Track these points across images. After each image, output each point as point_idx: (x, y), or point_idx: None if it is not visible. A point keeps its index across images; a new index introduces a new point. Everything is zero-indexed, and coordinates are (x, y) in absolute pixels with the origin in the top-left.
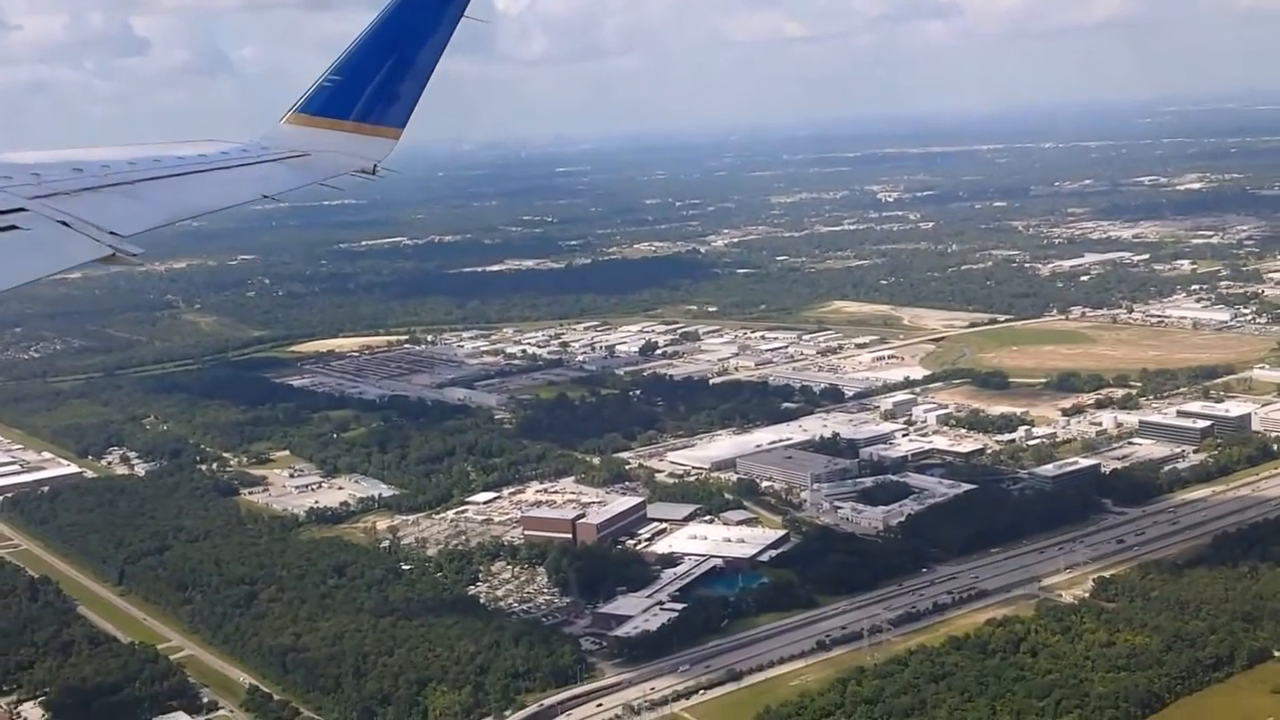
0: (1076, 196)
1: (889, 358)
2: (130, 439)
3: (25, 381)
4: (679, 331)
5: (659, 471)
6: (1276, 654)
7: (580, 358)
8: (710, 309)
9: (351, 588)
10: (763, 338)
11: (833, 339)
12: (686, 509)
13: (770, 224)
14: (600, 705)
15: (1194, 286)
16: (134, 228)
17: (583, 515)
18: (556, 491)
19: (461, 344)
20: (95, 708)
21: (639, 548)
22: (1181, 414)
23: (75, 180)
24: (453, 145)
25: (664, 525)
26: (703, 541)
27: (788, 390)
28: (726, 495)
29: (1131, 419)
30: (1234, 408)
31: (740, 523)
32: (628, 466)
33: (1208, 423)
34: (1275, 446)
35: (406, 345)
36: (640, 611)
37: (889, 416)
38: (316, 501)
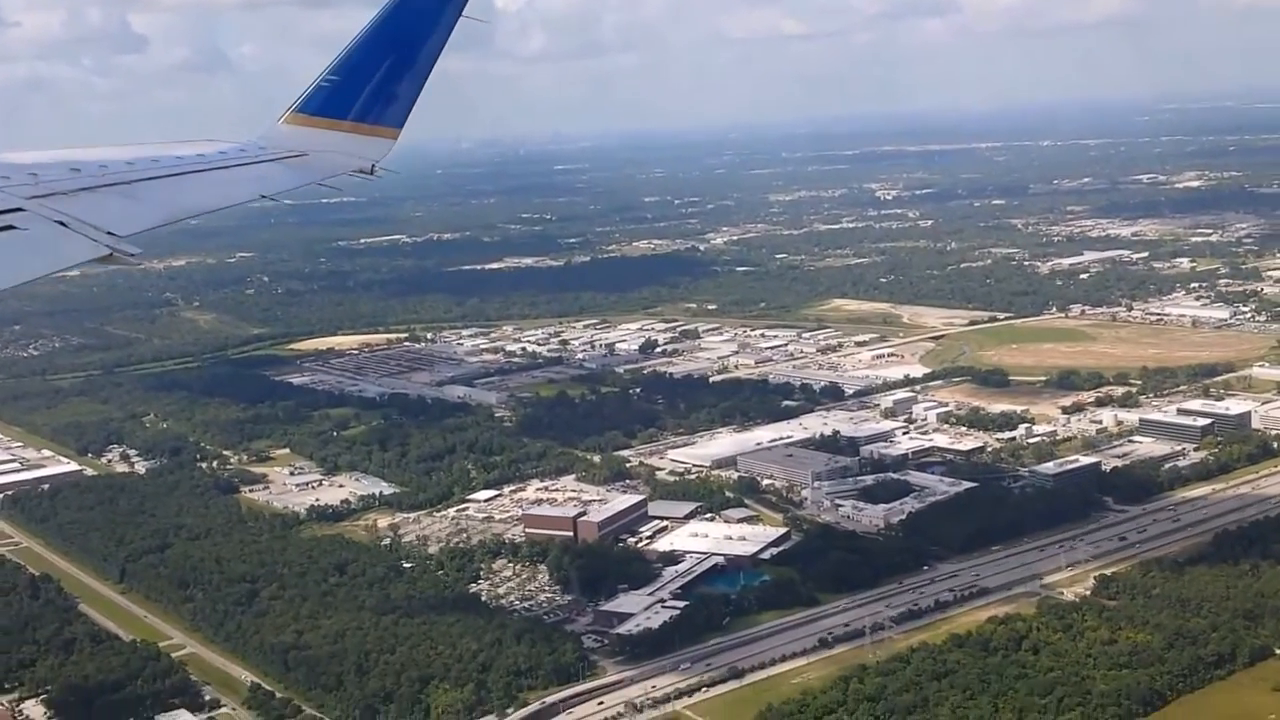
0: (1075, 194)
1: (889, 355)
2: (130, 437)
3: (24, 379)
4: (678, 329)
5: (659, 469)
6: (1278, 651)
7: (580, 356)
8: (710, 307)
9: (353, 585)
10: (762, 335)
11: (832, 337)
12: (687, 507)
13: (769, 222)
14: (601, 703)
15: (1193, 284)
16: (132, 228)
17: (584, 513)
18: (557, 489)
19: (461, 342)
20: (97, 705)
21: (640, 545)
22: (1182, 412)
23: (73, 180)
24: (451, 143)
25: (665, 523)
26: (704, 539)
27: (788, 388)
28: (727, 493)
29: (1132, 417)
30: (1234, 405)
31: (741, 520)
32: (628, 464)
33: (1208, 421)
34: (1275, 444)
35: (406, 343)
36: (642, 609)
37: (889, 414)
38: (317, 499)
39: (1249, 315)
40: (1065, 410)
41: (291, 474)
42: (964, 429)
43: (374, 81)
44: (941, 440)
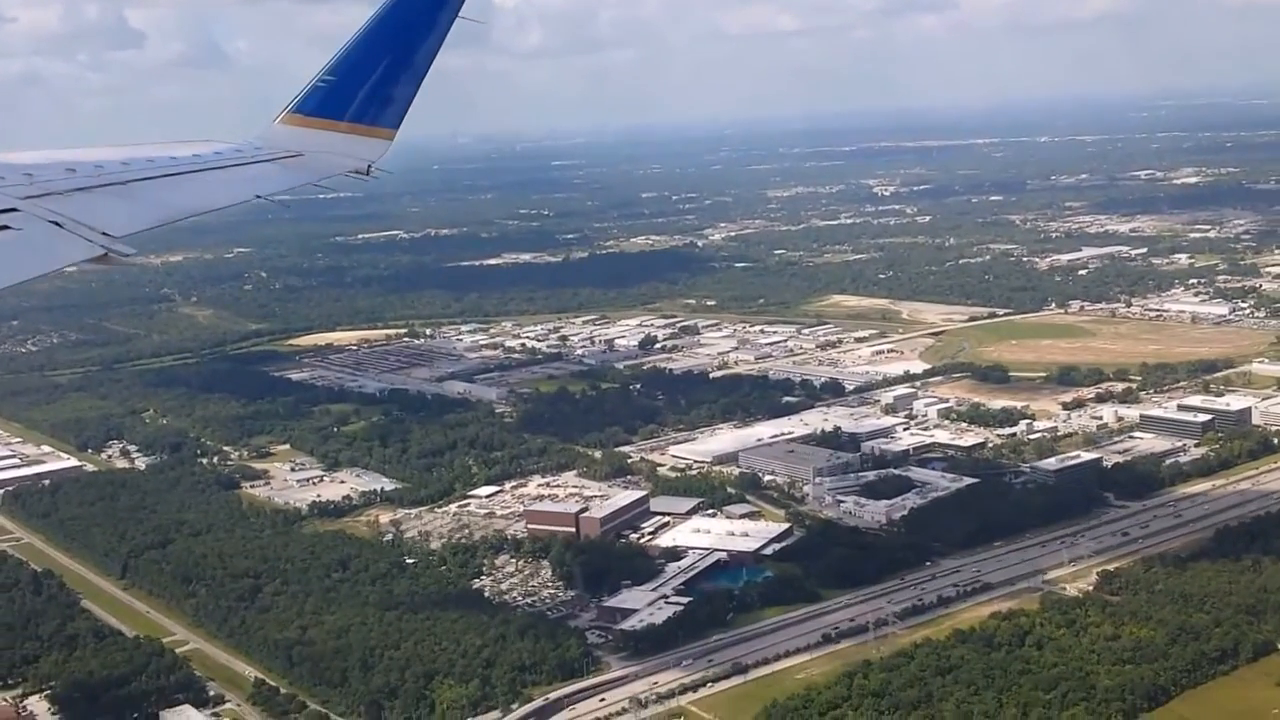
0: (1073, 191)
1: (888, 352)
2: (130, 432)
3: (23, 375)
4: (678, 325)
5: (661, 465)
6: None
7: (580, 351)
8: (708, 303)
9: (356, 581)
10: (762, 331)
11: (832, 333)
12: (689, 503)
13: (767, 218)
14: (603, 700)
15: (1192, 280)
16: (127, 228)
17: (586, 509)
18: (559, 485)
19: (460, 338)
20: (102, 701)
21: (643, 541)
22: (1182, 408)
23: (68, 180)
24: (448, 138)
25: (667, 519)
26: (706, 535)
27: (788, 384)
28: (729, 489)
29: (1132, 413)
30: (1234, 402)
31: (743, 516)
32: (629, 460)
33: (1208, 417)
34: (1276, 440)
35: (405, 339)
36: (645, 605)
37: (890, 410)
38: (318, 495)
39: (1248, 311)
40: (1066, 406)
41: (292, 470)
42: (965, 425)
43: (370, 82)
44: (942, 436)
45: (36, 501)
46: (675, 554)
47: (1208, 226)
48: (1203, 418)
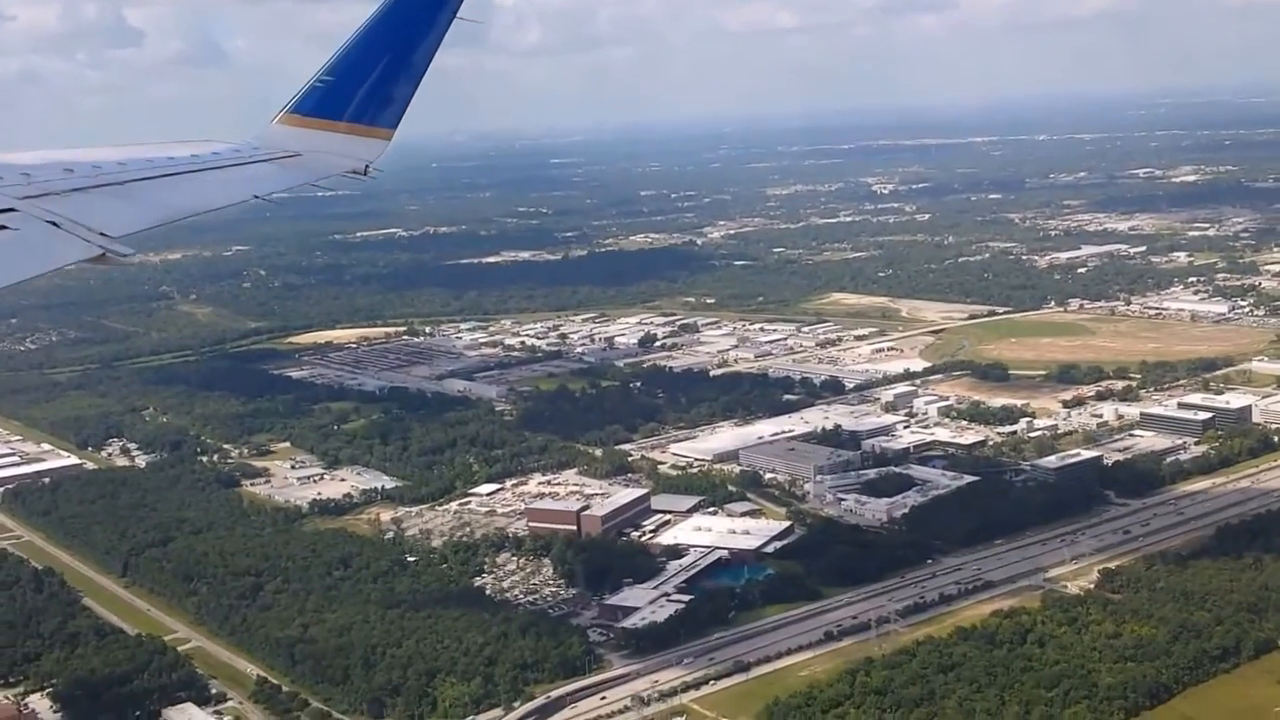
0: (1072, 189)
1: (888, 350)
2: (130, 430)
3: (22, 373)
4: (677, 323)
5: (661, 463)
6: None
7: (579, 349)
8: (708, 301)
9: (357, 579)
10: (761, 329)
11: (831, 331)
12: (690, 501)
13: (766, 216)
14: (605, 698)
15: (1191, 279)
16: (125, 228)
17: (587, 507)
18: (559, 483)
19: (459, 335)
20: (104, 699)
21: (644, 539)
22: (1182, 406)
23: (65, 180)
24: (446, 136)
25: (668, 517)
26: (707, 533)
27: (788, 382)
28: (730, 487)
29: (1132, 411)
30: (1234, 400)
31: (744, 514)
32: (630, 458)
33: (1209, 415)
34: (1276, 438)
35: (404, 337)
36: (647, 603)
37: (890, 408)
38: (319, 493)
39: (1247, 309)
40: (1065, 404)
41: (293, 468)
42: (965, 423)
43: (369, 82)
44: (942, 434)
45: (37, 499)
46: (676, 552)
47: (1207, 224)
48: (1203, 416)
